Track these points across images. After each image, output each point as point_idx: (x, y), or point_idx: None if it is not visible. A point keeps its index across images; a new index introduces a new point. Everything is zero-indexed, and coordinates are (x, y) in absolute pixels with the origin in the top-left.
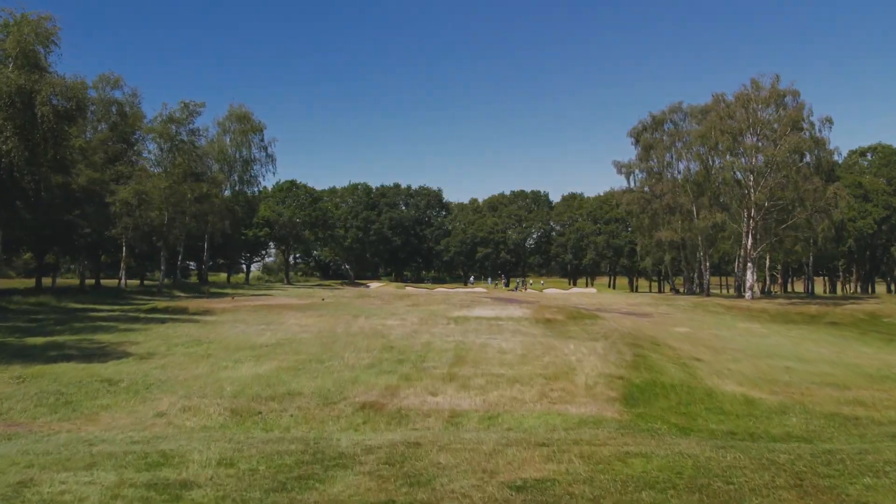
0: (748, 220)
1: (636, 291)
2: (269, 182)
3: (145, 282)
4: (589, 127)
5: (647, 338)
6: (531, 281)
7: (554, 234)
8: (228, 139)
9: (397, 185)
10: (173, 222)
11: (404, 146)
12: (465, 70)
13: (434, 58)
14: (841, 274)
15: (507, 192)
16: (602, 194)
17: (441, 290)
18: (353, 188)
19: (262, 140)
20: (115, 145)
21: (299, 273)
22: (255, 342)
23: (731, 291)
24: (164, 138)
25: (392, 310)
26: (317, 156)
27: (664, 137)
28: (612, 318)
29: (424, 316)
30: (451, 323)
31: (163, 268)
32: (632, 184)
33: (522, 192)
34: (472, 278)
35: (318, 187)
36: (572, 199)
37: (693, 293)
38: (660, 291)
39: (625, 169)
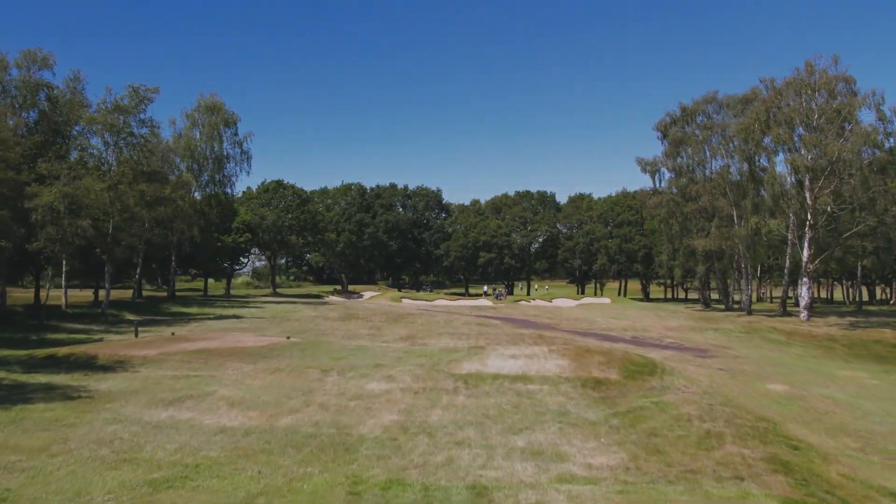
0: (804, 227)
1: (650, 299)
2: (243, 182)
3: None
4: (596, 125)
5: (754, 417)
6: (536, 287)
7: (561, 237)
8: (198, 133)
9: (393, 186)
10: (121, 232)
11: (401, 145)
12: (465, 65)
13: (432, 50)
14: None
15: (511, 193)
16: (613, 195)
17: (442, 303)
18: (346, 189)
19: (236, 134)
20: (40, 137)
21: (291, 278)
22: (100, 485)
23: (770, 304)
24: (110, 131)
25: (380, 354)
26: (308, 156)
27: (696, 131)
28: (679, 368)
29: (422, 372)
30: (459, 391)
31: (107, 286)
32: (658, 184)
33: (528, 192)
34: (486, 288)
35: (309, 188)
36: (580, 200)
37: (731, 309)
38: (674, 298)
39: (650, 167)
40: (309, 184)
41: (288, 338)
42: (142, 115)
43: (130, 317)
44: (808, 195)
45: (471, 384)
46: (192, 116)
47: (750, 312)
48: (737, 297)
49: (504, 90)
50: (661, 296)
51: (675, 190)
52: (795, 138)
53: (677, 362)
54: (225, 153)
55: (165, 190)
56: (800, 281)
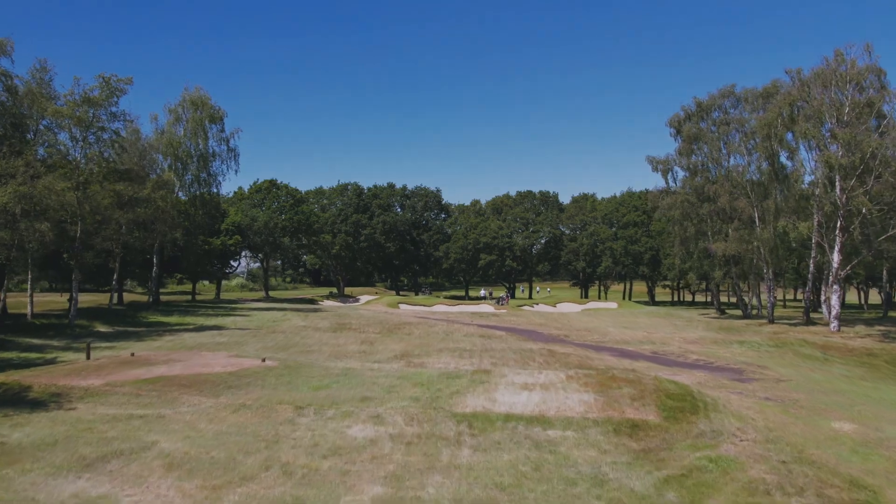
0: (833, 230)
1: (656, 302)
2: (231, 182)
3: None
4: (600, 123)
5: (846, 482)
6: (538, 289)
7: (565, 238)
8: (181, 130)
9: (391, 186)
10: (92, 236)
11: (400, 144)
12: (464, 62)
13: (430, 47)
14: None
15: (513, 193)
16: (618, 195)
17: (441, 308)
18: (342, 189)
19: (223, 131)
20: None
21: (288, 279)
22: None
23: (786, 310)
24: (78, 125)
25: (369, 380)
26: (305, 156)
27: (713, 128)
28: (721, 399)
29: (417, 410)
30: (463, 441)
31: (73, 295)
32: (670, 183)
33: (530, 192)
34: (483, 292)
35: (304, 189)
36: (584, 201)
37: (749, 316)
38: (680, 301)
39: (662, 166)
40: (305, 184)
41: (263, 360)
42: (114, 109)
43: (101, 328)
44: (839, 195)
45: (477, 429)
46: (176, 111)
47: (772, 321)
48: (753, 303)
49: (504, 87)
50: (667, 299)
51: (689, 190)
52: (825, 133)
53: (715, 389)
54: (210, 150)
55: (144, 190)
56: (824, 287)
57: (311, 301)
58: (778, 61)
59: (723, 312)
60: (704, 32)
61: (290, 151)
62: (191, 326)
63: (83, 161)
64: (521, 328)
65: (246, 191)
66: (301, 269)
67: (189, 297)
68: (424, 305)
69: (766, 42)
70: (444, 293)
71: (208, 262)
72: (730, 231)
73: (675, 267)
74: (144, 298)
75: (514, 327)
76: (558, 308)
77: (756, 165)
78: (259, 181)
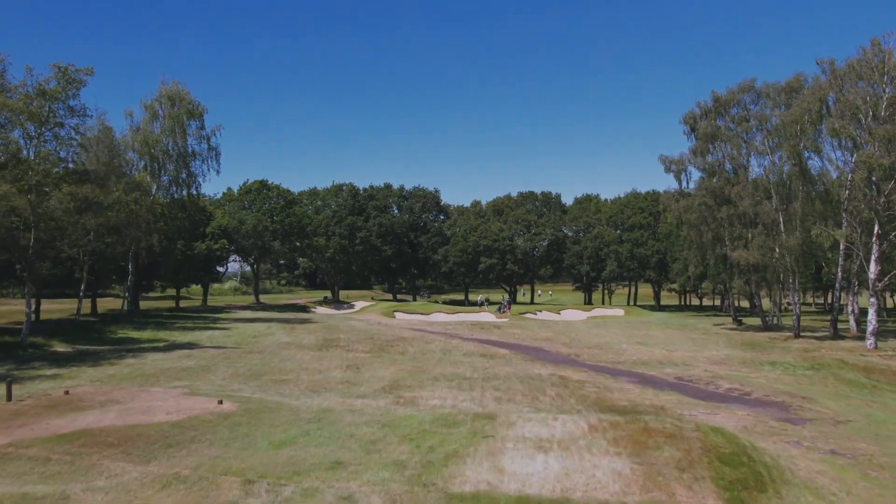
0: (870, 237)
1: (662, 307)
2: (213, 183)
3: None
4: (604, 122)
5: None
6: (539, 292)
7: (568, 241)
8: (158, 127)
9: (388, 186)
10: (48, 244)
11: (397, 144)
12: (463, 58)
13: (428, 44)
14: None
15: (514, 194)
16: (623, 196)
17: (439, 317)
18: (337, 189)
19: (202, 128)
20: None
21: (283, 282)
22: None
23: (808, 320)
24: (32, 120)
25: (346, 431)
26: (299, 156)
27: (731, 125)
28: (782, 457)
29: (400, 489)
30: None
31: (27, 311)
32: (684, 184)
33: (531, 193)
34: (480, 299)
35: (298, 190)
36: (588, 202)
37: (770, 328)
38: (686, 305)
39: (675, 166)
40: (301, 186)
41: (220, 402)
42: (73, 102)
43: (59, 347)
44: (878, 199)
45: None
46: (152, 107)
47: (798, 335)
48: (761, 307)
49: (503, 84)
50: (673, 302)
51: (706, 192)
52: (859, 131)
53: (767, 438)
54: (190, 149)
55: (113, 192)
56: (848, 295)
57: (303, 308)
58: (779, 62)
59: (740, 323)
60: (709, 31)
61: (285, 153)
62: (161, 344)
63: (37, 161)
64: (526, 344)
65: (236, 192)
66: (296, 272)
67: (174, 304)
68: (421, 314)
69: (767, 42)
70: (443, 296)
71: (191, 268)
72: (749, 236)
73: (688, 273)
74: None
75: (518, 343)
76: (562, 316)
77: (779, 166)
78: (249, 182)
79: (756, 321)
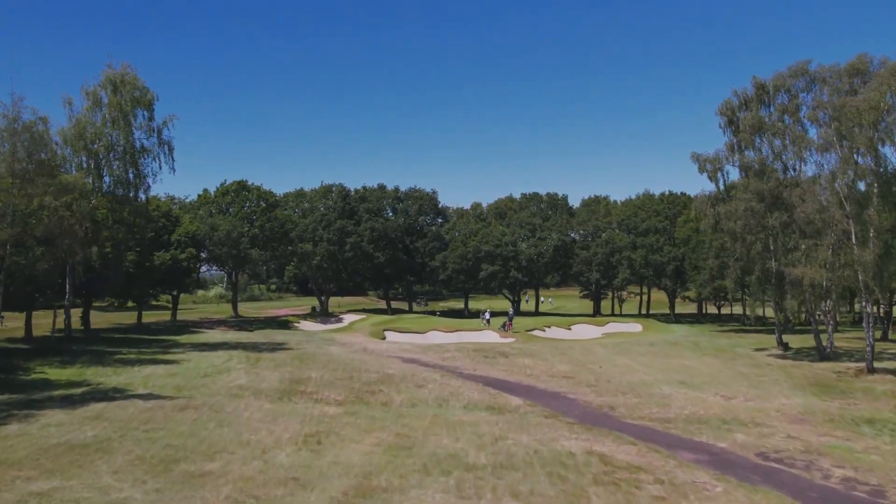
0: None
1: (677, 316)
2: (166, 184)
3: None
4: (609, 119)
5: None
6: (542, 299)
7: (576, 246)
8: (100, 117)
9: (382, 187)
10: None
11: (391, 144)
12: (462, 55)
13: (424, 40)
14: None
15: (517, 196)
16: (635, 198)
17: (436, 337)
18: (326, 191)
19: (152, 119)
20: None
21: (273, 288)
22: None
23: (846, 340)
24: None
25: None
26: (288, 159)
27: (776, 115)
28: None
29: None
30: None
31: None
32: (721, 186)
33: (536, 194)
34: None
35: (284, 191)
36: (596, 204)
37: (827, 357)
38: (702, 313)
39: (710, 165)
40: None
41: None
42: None
43: None
44: None
45: None
46: (95, 94)
47: (872, 369)
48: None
49: (503, 80)
50: (687, 310)
51: (751, 195)
52: None
53: None
54: (137, 144)
55: (41, 196)
56: None
57: (285, 324)
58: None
59: (786, 347)
60: (716, 29)
61: (275, 154)
62: (77, 392)
63: None
64: (543, 387)
65: (212, 194)
66: (286, 278)
67: (137, 320)
68: (416, 332)
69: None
70: (442, 304)
71: (150, 281)
72: (803, 247)
73: (729, 291)
74: (85, 325)
75: (532, 386)
76: (574, 332)
77: (848, 162)
78: (227, 183)
79: (800, 341)
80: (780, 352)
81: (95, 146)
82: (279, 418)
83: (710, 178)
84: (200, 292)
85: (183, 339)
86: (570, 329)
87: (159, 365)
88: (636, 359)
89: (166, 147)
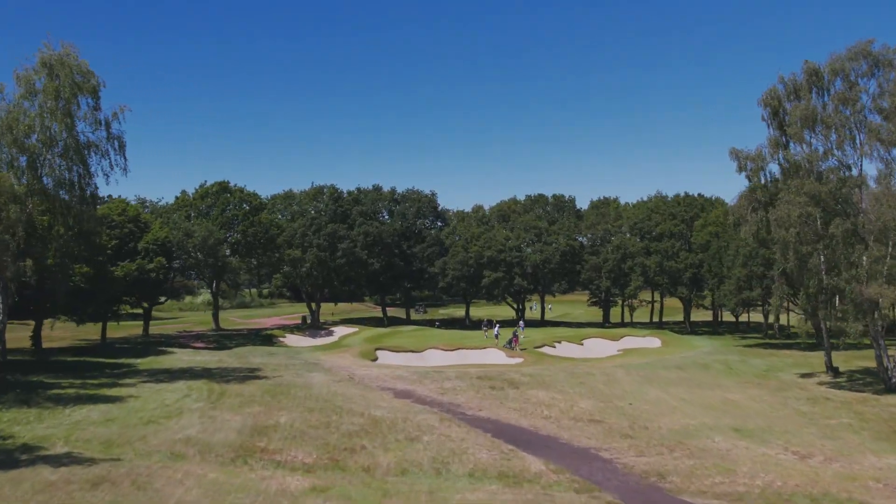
0: None
1: (693, 326)
2: (119, 185)
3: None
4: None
5: None
6: (549, 306)
7: (585, 252)
8: (36, 106)
9: (377, 189)
10: None
11: (387, 144)
12: (461, 51)
13: (421, 36)
14: None
15: (522, 197)
16: (647, 200)
17: (434, 359)
18: (317, 192)
19: (97, 109)
20: None
21: (265, 293)
22: None
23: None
24: None
25: None
26: (280, 161)
27: (840, 107)
28: None
29: None
30: None
31: None
32: (757, 184)
33: (541, 196)
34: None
35: (272, 193)
36: (605, 206)
37: (891, 387)
38: (718, 322)
39: (752, 163)
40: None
41: None
42: None
43: None
44: None
45: None
46: (29, 80)
47: None
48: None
49: (502, 79)
50: (701, 317)
51: (806, 198)
52: None
53: None
54: (83, 138)
55: None
56: None
57: (269, 339)
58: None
59: (836, 372)
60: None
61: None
62: None
63: None
64: (566, 440)
65: (191, 195)
66: (274, 287)
67: (129, 331)
68: (412, 351)
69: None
70: (441, 311)
71: (108, 295)
72: (864, 260)
73: (773, 309)
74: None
75: (554, 436)
76: (586, 347)
77: None
78: (207, 184)
79: (844, 360)
80: (831, 378)
81: (30, 141)
82: (223, 499)
83: (749, 177)
84: (188, 298)
85: (144, 363)
86: (582, 344)
87: (99, 404)
88: (668, 390)
89: (116, 142)
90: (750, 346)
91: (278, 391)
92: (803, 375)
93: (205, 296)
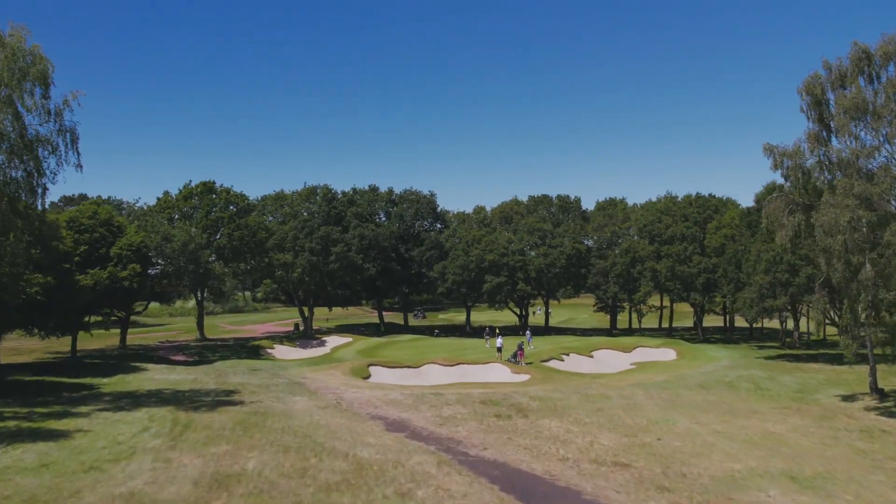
0: None
1: (705, 332)
2: (71, 183)
3: None
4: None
5: None
6: (540, 310)
7: (592, 255)
8: None
9: (374, 189)
10: None
11: (384, 143)
12: (460, 48)
13: (420, 33)
14: None
15: (524, 198)
16: (656, 200)
17: (433, 375)
18: (309, 193)
19: (47, 97)
20: None
21: (259, 296)
22: None
23: None
24: None
25: None
26: (275, 162)
27: (890, 94)
28: None
29: None
30: None
31: None
32: (796, 184)
33: (545, 197)
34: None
35: (262, 194)
36: (612, 207)
37: None
38: (728, 327)
39: (789, 160)
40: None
41: None
42: None
43: None
44: None
45: None
46: None
47: None
48: None
49: (502, 77)
50: (711, 322)
51: (857, 200)
52: None
53: None
54: (31, 132)
55: None
56: None
57: (255, 350)
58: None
59: (882, 394)
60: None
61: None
62: None
63: None
64: (591, 495)
65: (173, 196)
66: (262, 294)
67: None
68: (409, 367)
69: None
70: (441, 316)
71: (72, 307)
72: None
73: (816, 323)
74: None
75: (575, 489)
76: (596, 359)
77: None
78: (191, 184)
79: (883, 378)
80: (877, 402)
81: None
82: None
83: (785, 176)
84: (179, 302)
85: (109, 384)
86: (592, 356)
87: (39, 442)
88: (699, 418)
89: (68, 135)
90: (771, 357)
91: (252, 422)
92: (845, 398)
93: (189, 304)
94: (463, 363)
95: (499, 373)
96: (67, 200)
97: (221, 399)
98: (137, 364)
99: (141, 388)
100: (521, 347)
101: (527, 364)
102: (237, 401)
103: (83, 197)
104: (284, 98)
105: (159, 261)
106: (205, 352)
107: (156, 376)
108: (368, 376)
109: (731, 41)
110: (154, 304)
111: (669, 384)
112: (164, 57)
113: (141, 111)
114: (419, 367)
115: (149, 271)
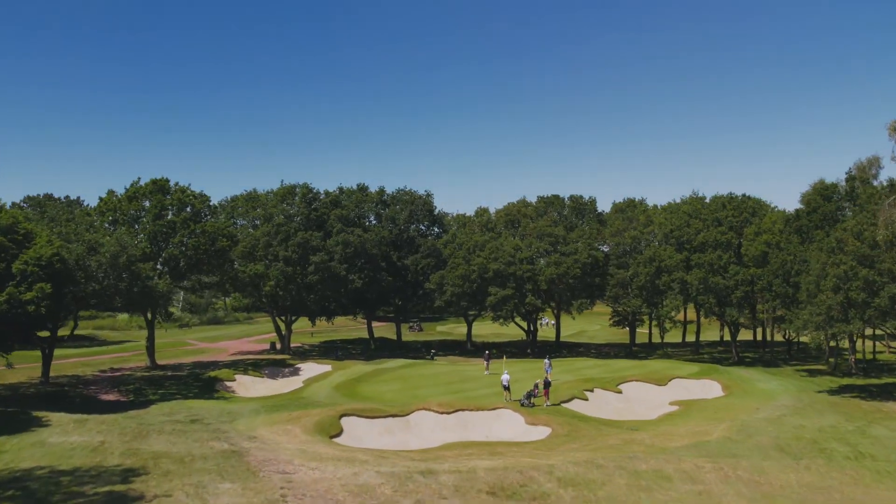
0: None
1: (739, 353)
2: (25, 182)
3: None
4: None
5: None
6: (547, 321)
7: (611, 265)
8: None
9: (363, 189)
10: None
11: (380, 144)
12: (460, 47)
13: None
14: None
15: (533, 199)
16: (681, 202)
17: (424, 429)
18: (287, 192)
19: None
20: None
21: (240, 306)
22: None
23: None
24: None
25: None
26: (270, 163)
27: None
28: None
29: None
30: None
31: None
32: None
33: (557, 197)
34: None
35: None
36: (632, 209)
37: None
38: (759, 341)
39: None
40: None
41: None
42: None
43: None
44: None
45: None
46: None
47: None
48: None
49: (502, 76)
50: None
51: None
52: None
53: None
54: None
55: None
56: None
57: (210, 384)
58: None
59: None
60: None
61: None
62: None
63: None
64: None
65: (118, 196)
66: (227, 309)
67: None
68: (395, 415)
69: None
70: (440, 327)
71: None
72: None
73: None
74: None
75: None
76: (626, 395)
77: None
78: (141, 182)
79: None
80: None
81: None
82: None
83: None
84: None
85: None
86: (620, 392)
87: None
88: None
89: None
90: (833, 391)
91: None
92: None
93: (172, 310)
94: (463, 409)
95: (509, 424)
96: (32, 201)
97: (110, 493)
98: (39, 414)
99: (9, 465)
100: (536, 386)
101: (547, 405)
102: (132, 497)
103: (49, 197)
104: (266, 89)
105: (82, 278)
106: (146, 387)
107: (49, 439)
108: (339, 433)
109: (763, 34)
110: (123, 316)
111: (738, 447)
112: (152, 50)
113: (113, 107)
114: (407, 415)
115: (68, 289)
